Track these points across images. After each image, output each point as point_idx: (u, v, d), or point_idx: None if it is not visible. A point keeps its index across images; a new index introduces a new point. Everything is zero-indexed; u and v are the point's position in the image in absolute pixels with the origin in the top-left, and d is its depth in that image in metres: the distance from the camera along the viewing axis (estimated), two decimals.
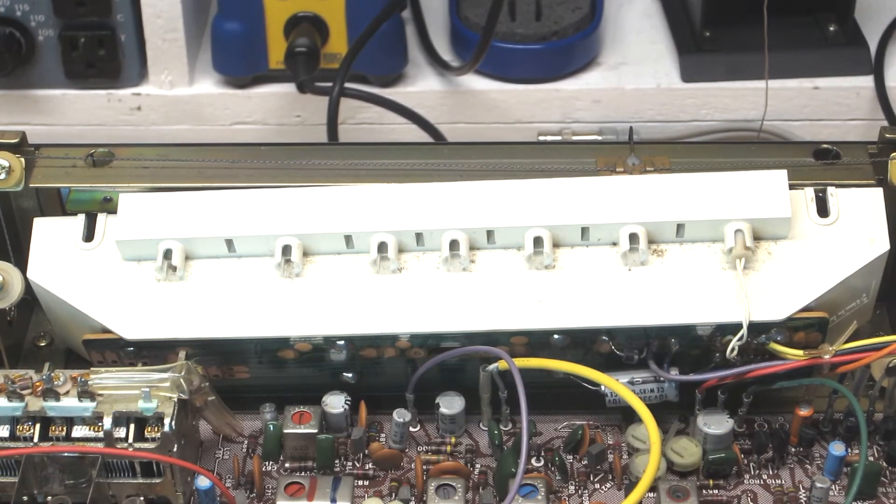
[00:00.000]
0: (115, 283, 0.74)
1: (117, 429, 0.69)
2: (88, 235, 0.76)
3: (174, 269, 0.73)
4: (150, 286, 0.74)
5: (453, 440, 0.76)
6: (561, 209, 0.73)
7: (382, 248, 0.73)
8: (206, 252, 0.74)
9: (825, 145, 0.78)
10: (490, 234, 0.73)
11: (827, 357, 0.72)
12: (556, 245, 0.74)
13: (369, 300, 0.73)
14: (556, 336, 0.73)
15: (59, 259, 0.75)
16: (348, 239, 0.73)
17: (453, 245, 0.73)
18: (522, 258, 0.73)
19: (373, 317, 0.72)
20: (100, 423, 0.69)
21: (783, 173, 0.74)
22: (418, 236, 0.73)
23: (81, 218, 0.76)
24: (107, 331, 0.73)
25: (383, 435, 0.77)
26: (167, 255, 0.73)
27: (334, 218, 0.73)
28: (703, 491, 0.74)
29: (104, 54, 1.06)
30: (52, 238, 0.75)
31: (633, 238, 0.73)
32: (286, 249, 0.73)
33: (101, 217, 0.76)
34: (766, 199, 0.73)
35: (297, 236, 0.73)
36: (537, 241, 0.73)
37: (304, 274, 0.74)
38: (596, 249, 0.74)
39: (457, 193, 0.74)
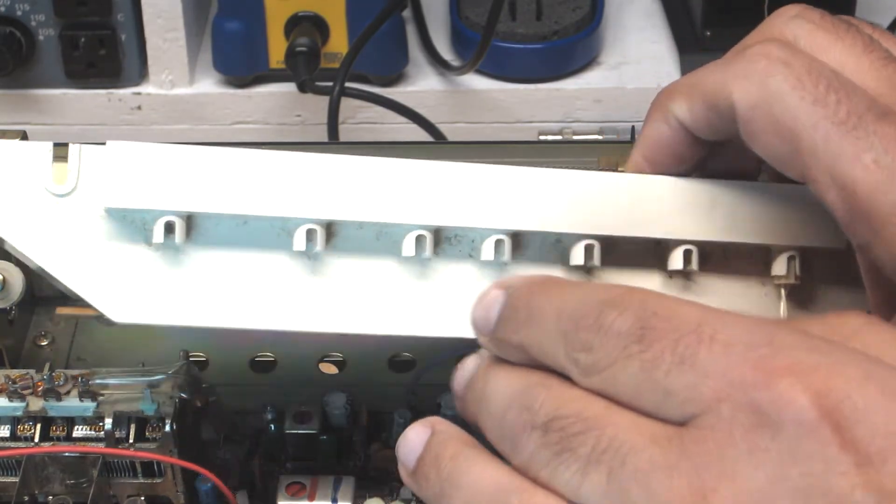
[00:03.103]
0: (99, 248, 0.61)
1: (118, 429, 0.69)
2: (60, 176, 0.60)
3: (176, 248, 0.61)
4: (144, 255, 0.61)
5: None
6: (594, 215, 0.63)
7: (411, 245, 0.62)
8: (214, 227, 0.62)
9: None
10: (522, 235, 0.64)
11: None
12: None
13: (395, 298, 0.63)
14: None
15: (27, 207, 0.60)
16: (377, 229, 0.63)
17: (498, 245, 0.63)
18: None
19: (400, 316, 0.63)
20: (101, 423, 0.69)
21: None
22: (448, 237, 0.64)
23: (48, 149, 0.61)
24: (88, 306, 0.61)
25: (384, 435, 0.77)
26: (168, 227, 0.60)
27: (359, 204, 0.62)
28: None
29: (105, 54, 1.06)
30: (15, 172, 0.60)
31: (686, 255, 0.62)
32: (308, 233, 0.61)
33: (73, 149, 0.61)
34: (818, 222, 0.61)
35: (316, 221, 0.61)
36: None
37: (325, 261, 0.63)
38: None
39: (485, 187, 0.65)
